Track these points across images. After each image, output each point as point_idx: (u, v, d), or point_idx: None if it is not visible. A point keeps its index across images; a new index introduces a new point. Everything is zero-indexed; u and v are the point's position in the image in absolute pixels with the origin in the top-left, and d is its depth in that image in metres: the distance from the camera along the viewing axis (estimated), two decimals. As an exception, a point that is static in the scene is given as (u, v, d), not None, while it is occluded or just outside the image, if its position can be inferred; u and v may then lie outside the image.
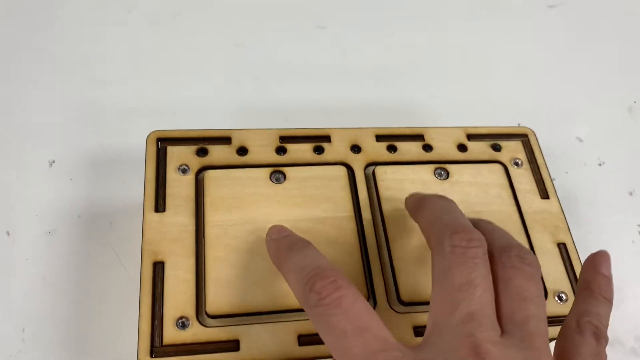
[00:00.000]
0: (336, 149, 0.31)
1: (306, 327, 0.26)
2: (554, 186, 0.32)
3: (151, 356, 0.24)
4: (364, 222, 0.29)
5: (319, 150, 0.31)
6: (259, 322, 0.25)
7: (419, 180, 0.31)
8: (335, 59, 0.46)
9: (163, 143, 0.30)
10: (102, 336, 0.30)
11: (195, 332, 0.25)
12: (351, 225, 0.28)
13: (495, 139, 0.33)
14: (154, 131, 0.30)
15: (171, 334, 0.25)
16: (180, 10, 0.46)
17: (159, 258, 0.26)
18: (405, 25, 0.49)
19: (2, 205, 0.34)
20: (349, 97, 0.43)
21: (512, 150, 0.33)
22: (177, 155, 0.29)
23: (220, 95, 0.42)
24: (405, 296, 0.27)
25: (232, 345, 0.25)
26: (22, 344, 0.30)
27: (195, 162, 0.29)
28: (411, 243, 0.28)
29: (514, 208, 0.31)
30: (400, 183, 0.30)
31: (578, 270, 0.29)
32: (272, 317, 0.26)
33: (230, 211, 0.28)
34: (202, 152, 0.30)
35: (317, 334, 0.21)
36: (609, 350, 0.22)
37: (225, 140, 0.30)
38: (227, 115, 0.41)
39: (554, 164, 0.38)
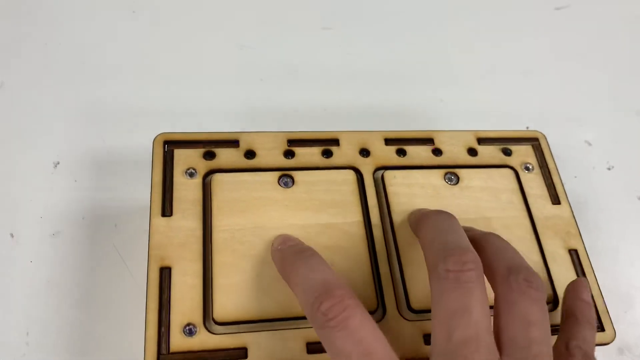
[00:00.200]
0: (345, 153, 0.31)
1: (315, 335, 0.25)
2: (565, 191, 0.32)
3: (158, 363, 0.24)
4: (373, 227, 0.29)
5: (327, 154, 0.31)
6: (267, 330, 0.25)
7: (428, 184, 0.30)
8: (341, 60, 0.45)
9: (170, 146, 0.29)
10: (107, 340, 0.30)
11: (203, 339, 0.24)
12: (360, 231, 0.28)
13: (506, 142, 0.33)
14: (160, 134, 0.29)
15: (178, 341, 0.24)
16: (185, 11, 0.46)
17: (166, 263, 0.26)
18: (412, 28, 0.48)
19: (6, 207, 0.34)
20: (356, 99, 0.43)
21: (523, 154, 0.33)
22: (184, 158, 0.29)
23: (225, 96, 0.41)
24: (415, 303, 0.27)
25: (240, 352, 0.24)
26: (26, 347, 0.30)
27: (203, 166, 0.29)
28: (421, 248, 0.28)
29: (525, 213, 0.30)
30: (410, 188, 0.30)
31: (590, 277, 0.29)
32: (281, 324, 0.25)
33: (237, 215, 0.27)
34: (209, 156, 0.29)
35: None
36: (618, 357, 0.22)
37: (232, 143, 0.30)
38: (232, 117, 0.40)
39: (563, 167, 0.38)
